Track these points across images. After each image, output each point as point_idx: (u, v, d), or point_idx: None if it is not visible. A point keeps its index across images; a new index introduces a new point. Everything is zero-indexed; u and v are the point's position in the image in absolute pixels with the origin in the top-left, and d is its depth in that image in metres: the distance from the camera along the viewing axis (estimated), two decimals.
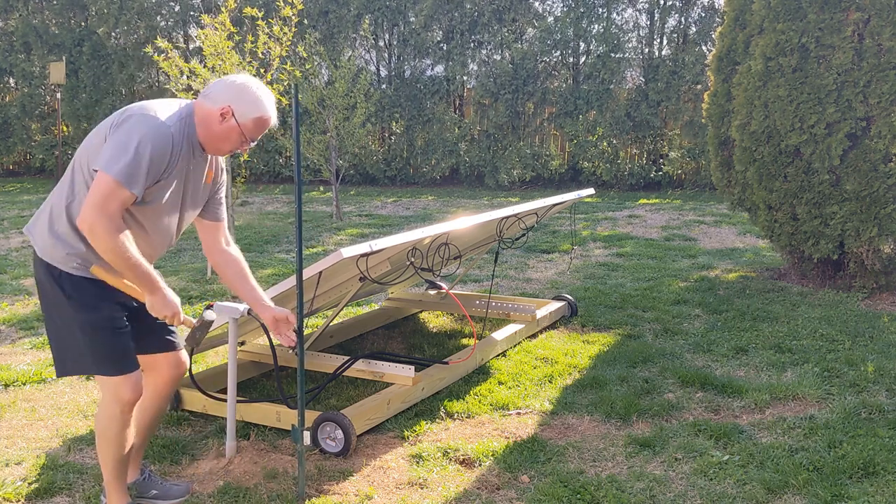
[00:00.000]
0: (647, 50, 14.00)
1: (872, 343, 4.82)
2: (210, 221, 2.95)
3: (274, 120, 2.79)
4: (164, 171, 2.60)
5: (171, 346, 2.93)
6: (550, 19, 14.32)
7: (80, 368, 2.77)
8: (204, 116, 2.69)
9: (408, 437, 3.59)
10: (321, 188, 14.19)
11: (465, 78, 14.92)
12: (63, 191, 2.65)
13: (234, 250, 3.00)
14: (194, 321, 2.82)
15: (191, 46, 15.56)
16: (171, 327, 2.93)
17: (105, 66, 15.51)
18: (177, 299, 2.68)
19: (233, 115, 2.66)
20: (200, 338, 2.84)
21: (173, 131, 2.60)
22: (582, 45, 14.22)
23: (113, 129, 2.57)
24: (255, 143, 2.81)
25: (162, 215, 2.72)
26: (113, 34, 15.57)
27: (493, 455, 3.38)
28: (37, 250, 2.68)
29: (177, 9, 15.66)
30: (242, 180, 7.93)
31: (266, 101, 2.74)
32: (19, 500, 3.05)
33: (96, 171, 2.51)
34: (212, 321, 2.84)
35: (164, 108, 2.65)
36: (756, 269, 7.11)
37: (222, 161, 2.95)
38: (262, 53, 6.86)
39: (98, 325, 2.67)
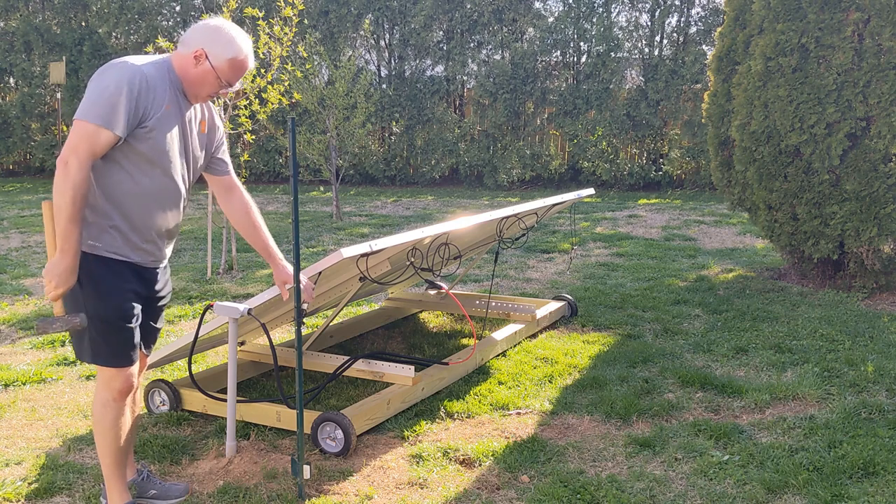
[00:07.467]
0: (646, 49, 14.00)
1: (872, 343, 4.82)
2: (219, 176, 3.03)
3: (251, 62, 2.76)
4: (150, 109, 2.57)
5: (148, 345, 2.96)
6: (550, 19, 14.32)
7: (83, 355, 2.77)
8: (181, 63, 2.68)
9: (408, 437, 3.59)
10: (321, 188, 14.20)
11: (464, 78, 14.93)
12: None
13: (245, 196, 3.07)
14: (64, 313, 2.59)
15: None
16: (158, 325, 2.96)
17: None
18: (73, 279, 2.53)
19: (206, 57, 2.65)
20: (52, 331, 2.55)
21: (146, 70, 2.58)
22: (582, 44, 14.23)
23: (89, 83, 2.59)
24: (235, 88, 2.78)
25: (168, 164, 2.69)
26: (114, 34, 15.57)
27: (493, 455, 3.38)
28: None
29: (178, 9, 15.67)
30: (242, 180, 7.92)
31: (240, 42, 2.70)
32: (19, 500, 3.05)
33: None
34: (79, 327, 2.58)
35: (139, 58, 2.66)
36: (756, 269, 7.11)
37: (216, 117, 2.95)
38: (263, 54, 6.86)
39: (106, 318, 2.66)
